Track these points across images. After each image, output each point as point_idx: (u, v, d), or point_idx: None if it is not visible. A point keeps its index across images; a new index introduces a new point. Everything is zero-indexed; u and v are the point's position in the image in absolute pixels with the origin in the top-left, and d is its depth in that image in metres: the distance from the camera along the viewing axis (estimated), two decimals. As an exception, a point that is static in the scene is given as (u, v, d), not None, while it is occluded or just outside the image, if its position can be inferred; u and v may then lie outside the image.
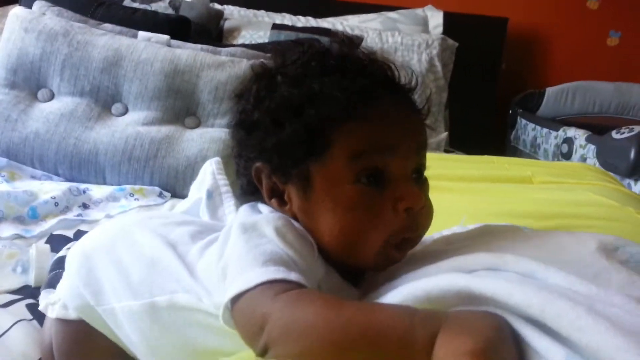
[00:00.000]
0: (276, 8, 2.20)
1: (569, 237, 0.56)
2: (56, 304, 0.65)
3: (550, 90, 2.38)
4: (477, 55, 2.24)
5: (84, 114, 1.36)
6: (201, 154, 1.33)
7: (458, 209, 0.76)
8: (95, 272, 0.62)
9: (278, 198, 0.57)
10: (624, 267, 0.48)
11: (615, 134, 1.71)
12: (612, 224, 0.84)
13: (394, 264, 0.56)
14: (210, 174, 0.87)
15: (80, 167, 1.33)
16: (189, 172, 1.31)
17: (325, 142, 0.53)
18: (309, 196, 0.54)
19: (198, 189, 0.88)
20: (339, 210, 0.53)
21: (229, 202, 0.83)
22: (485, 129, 2.32)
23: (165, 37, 1.48)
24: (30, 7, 1.52)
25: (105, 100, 1.40)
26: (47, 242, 1.01)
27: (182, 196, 1.25)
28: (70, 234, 1.07)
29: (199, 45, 1.49)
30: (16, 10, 1.47)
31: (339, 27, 2.10)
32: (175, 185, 1.33)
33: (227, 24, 2.05)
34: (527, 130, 2.29)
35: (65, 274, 0.67)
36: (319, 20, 2.14)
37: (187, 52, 1.43)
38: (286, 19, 2.14)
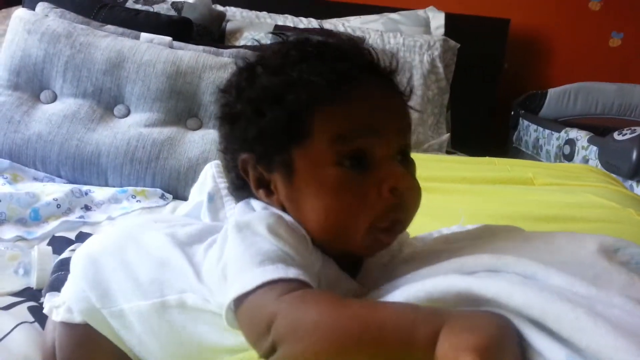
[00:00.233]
0: (278, 9, 2.20)
1: (570, 238, 0.56)
2: (61, 307, 0.65)
3: (552, 92, 2.38)
4: (478, 57, 2.24)
5: (87, 115, 1.36)
6: (203, 155, 1.33)
7: (457, 210, 0.76)
8: (103, 274, 0.62)
9: (265, 188, 0.57)
10: (624, 268, 0.48)
11: (617, 136, 1.71)
12: (613, 225, 0.85)
13: (385, 248, 0.57)
14: (210, 177, 0.87)
15: (82, 168, 1.33)
16: (191, 173, 1.31)
17: (306, 127, 0.53)
18: (293, 183, 0.55)
19: (199, 191, 0.88)
20: (323, 194, 0.53)
21: (230, 204, 0.83)
22: (487, 130, 2.32)
23: (168, 38, 1.49)
24: (33, 8, 1.53)
25: (108, 101, 1.40)
26: (49, 244, 1.01)
27: (184, 198, 1.26)
28: (72, 235, 1.07)
29: (201, 47, 1.50)
30: (19, 12, 1.48)
31: (341, 29, 2.10)
32: (177, 187, 1.33)
33: (229, 26, 2.05)
34: (529, 131, 2.29)
35: (70, 277, 0.67)
36: (320, 21, 2.14)
37: (190, 54, 1.43)
38: (288, 20, 2.14)
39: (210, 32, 1.93)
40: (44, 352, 0.68)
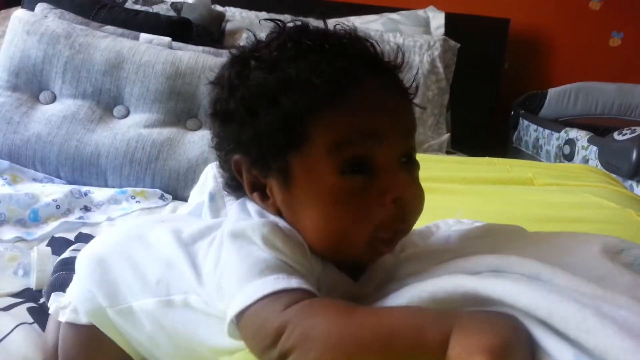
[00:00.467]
0: (278, 9, 2.20)
1: (573, 238, 0.56)
2: (67, 308, 0.65)
3: (552, 91, 2.38)
4: (479, 57, 2.23)
5: (86, 116, 1.36)
6: (202, 156, 1.33)
7: (457, 210, 0.76)
8: (110, 273, 0.62)
9: (260, 192, 0.54)
10: (628, 269, 0.48)
11: (617, 136, 1.71)
12: (613, 226, 0.84)
13: (385, 255, 0.55)
14: (212, 177, 0.87)
15: (81, 169, 1.33)
16: (190, 174, 1.31)
17: (303, 132, 0.50)
18: (290, 190, 0.52)
19: (199, 193, 0.88)
20: (322, 205, 0.50)
21: (231, 204, 0.83)
22: (487, 130, 2.32)
23: (167, 39, 1.49)
24: (32, 9, 1.53)
25: (107, 102, 1.40)
26: (48, 244, 1.01)
27: (184, 198, 1.26)
28: (71, 236, 1.07)
29: (200, 47, 1.50)
30: (18, 13, 1.48)
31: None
32: (176, 188, 1.33)
33: (228, 26, 2.05)
34: (529, 131, 2.29)
35: (75, 278, 0.67)
36: (320, 21, 2.14)
37: (189, 54, 1.43)
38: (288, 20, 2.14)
39: (209, 33, 1.93)
40: (45, 353, 0.68)
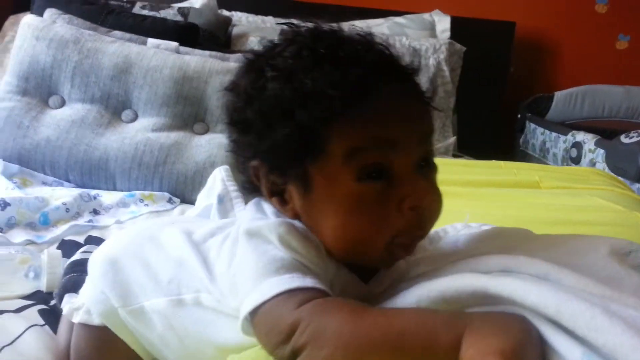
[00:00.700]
0: (284, 14, 2.21)
1: (581, 240, 0.56)
2: (80, 309, 0.65)
3: (559, 94, 2.37)
4: (484, 60, 2.24)
5: (95, 120, 1.37)
6: (209, 159, 1.34)
7: (464, 214, 0.76)
8: (122, 274, 0.63)
9: (279, 197, 0.55)
10: (636, 271, 0.49)
11: (624, 138, 1.71)
12: (619, 229, 0.84)
13: (402, 259, 0.55)
14: (220, 181, 0.88)
15: (90, 173, 1.34)
16: (198, 177, 1.32)
17: (320, 142, 0.50)
18: (309, 197, 0.52)
19: (207, 196, 0.89)
20: (341, 212, 0.51)
21: (239, 207, 0.84)
22: (493, 133, 2.32)
23: (174, 44, 1.50)
24: (41, 15, 1.54)
25: (116, 106, 1.41)
26: (58, 247, 1.02)
27: (191, 202, 1.27)
28: (81, 239, 1.08)
29: (207, 52, 1.51)
30: (27, 19, 1.49)
31: (347, 33, 2.10)
32: (184, 191, 1.34)
33: (235, 30, 2.06)
34: (536, 134, 2.29)
35: (88, 280, 0.68)
36: (326, 25, 2.15)
37: (196, 59, 1.44)
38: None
39: (216, 37, 1.94)
40: (57, 355, 0.69)
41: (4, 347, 0.70)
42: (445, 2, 2.33)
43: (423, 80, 0.56)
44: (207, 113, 1.42)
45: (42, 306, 0.81)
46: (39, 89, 1.42)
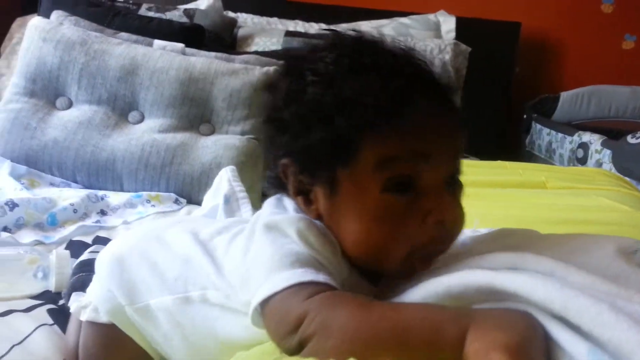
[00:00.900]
0: (289, 15, 2.21)
1: (588, 239, 0.56)
2: (87, 307, 0.66)
3: (565, 95, 2.37)
4: (490, 60, 2.23)
5: (102, 121, 1.38)
6: (215, 160, 1.34)
7: (470, 214, 0.76)
8: (129, 273, 0.64)
9: (304, 196, 0.56)
10: (643, 270, 0.49)
11: (630, 139, 1.70)
12: (625, 228, 0.84)
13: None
14: (226, 181, 0.88)
15: (97, 174, 1.35)
16: (204, 178, 1.33)
17: (353, 149, 0.51)
18: (334, 200, 0.53)
19: (213, 196, 0.90)
20: (365, 220, 0.52)
21: (246, 207, 0.85)
22: (499, 134, 2.32)
23: (180, 45, 1.51)
24: (48, 17, 1.55)
25: (122, 108, 1.42)
26: (66, 247, 1.03)
27: (198, 202, 1.27)
28: (89, 239, 1.08)
29: (212, 53, 1.51)
30: (35, 21, 1.50)
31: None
32: (190, 192, 1.35)
33: (240, 32, 2.07)
34: (542, 135, 2.28)
35: (95, 279, 0.68)
36: (331, 26, 2.15)
37: (202, 60, 1.45)
38: (299, 25, 2.16)
39: (221, 39, 1.95)
40: (66, 353, 0.69)
41: (13, 346, 0.70)
42: (450, 3, 2.33)
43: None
44: (213, 114, 1.43)
45: (51, 306, 0.82)
46: (46, 90, 1.43)
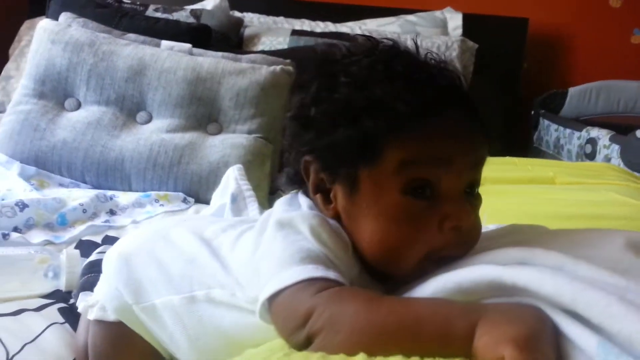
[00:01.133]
0: (295, 14, 2.21)
1: (597, 233, 0.56)
2: (95, 306, 0.67)
3: (573, 90, 2.35)
4: (497, 57, 2.22)
5: (110, 122, 1.39)
6: (223, 159, 1.35)
7: (480, 210, 0.76)
8: (135, 272, 0.64)
9: (323, 195, 0.56)
10: (652, 263, 0.48)
11: (639, 134, 1.69)
12: (635, 223, 0.84)
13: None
14: (233, 180, 0.88)
15: (106, 174, 1.36)
16: (212, 177, 1.33)
17: (377, 150, 0.52)
18: (354, 199, 0.54)
19: (221, 196, 0.90)
20: (382, 220, 0.52)
21: (252, 205, 0.85)
22: (507, 130, 2.31)
23: (187, 45, 1.51)
24: (56, 19, 1.56)
25: (130, 108, 1.43)
26: (76, 247, 1.03)
27: (206, 201, 1.28)
28: (98, 239, 1.09)
29: (220, 53, 1.52)
30: (43, 23, 1.51)
31: (358, 32, 2.10)
32: (198, 191, 1.35)
33: (247, 31, 2.07)
34: (550, 131, 2.27)
35: (102, 277, 0.69)
36: (337, 25, 2.15)
37: (209, 60, 1.45)
38: (305, 24, 2.16)
39: (228, 39, 1.95)
40: (76, 353, 0.70)
41: (25, 344, 0.71)
42: (457, -1, 2.33)
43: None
44: (221, 113, 1.43)
45: (62, 305, 0.82)
46: (55, 92, 1.44)
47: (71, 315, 0.78)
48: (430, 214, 0.52)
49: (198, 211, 1.28)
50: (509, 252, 0.50)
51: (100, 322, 0.66)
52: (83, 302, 0.69)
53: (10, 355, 0.69)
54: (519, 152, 1.86)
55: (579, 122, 2.19)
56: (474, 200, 0.56)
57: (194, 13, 1.97)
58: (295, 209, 0.57)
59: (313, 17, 2.19)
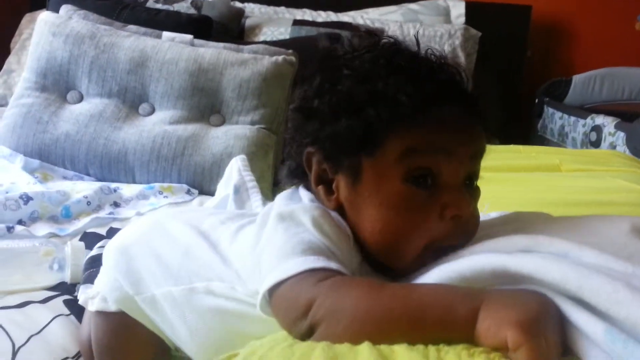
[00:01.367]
0: (296, 4, 2.20)
1: (602, 219, 0.56)
2: (95, 297, 0.67)
3: (577, 78, 2.34)
4: (501, 45, 2.21)
5: (113, 114, 1.39)
6: (226, 151, 1.34)
7: (483, 198, 0.76)
8: (134, 263, 0.64)
9: (325, 186, 0.57)
10: (658, 248, 0.48)
11: (645, 120, 1.68)
12: (642, 209, 0.83)
13: None
14: (236, 171, 0.88)
15: (110, 166, 1.36)
16: (215, 169, 1.33)
17: (379, 140, 0.53)
18: (356, 188, 0.54)
19: (225, 186, 0.90)
20: (384, 208, 0.53)
21: (255, 197, 0.85)
22: (511, 118, 2.29)
23: (189, 36, 1.50)
24: (57, 11, 1.55)
25: (133, 100, 1.42)
26: (80, 239, 1.03)
27: (209, 193, 1.27)
28: (103, 231, 1.09)
29: (221, 44, 1.51)
30: (44, 16, 1.51)
31: (360, 21, 2.09)
32: (202, 182, 1.35)
33: (248, 22, 2.06)
34: (555, 119, 2.26)
35: (102, 269, 0.69)
36: (339, 14, 2.14)
37: (211, 51, 1.45)
38: (306, 14, 2.15)
39: (229, 30, 1.94)
40: (80, 344, 0.70)
41: (31, 336, 0.71)
42: (460, -13, 2.30)
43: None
44: (223, 105, 1.43)
45: (67, 297, 0.82)
46: (57, 84, 1.43)
47: (76, 307, 0.78)
48: (431, 203, 0.53)
49: (202, 203, 1.28)
50: (513, 239, 0.50)
51: (102, 314, 0.66)
52: (84, 294, 0.69)
53: (17, 347, 0.69)
54: (522, 141, 1.85)
55: (583, 110, 2.18)
56: (473, 192, 0.56)
57: (194, 4, 1.97)
58: (296, 202, 0.58)
59: (314, 7, 2.18)
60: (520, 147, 1.27)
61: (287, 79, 1.46)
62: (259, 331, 0.54)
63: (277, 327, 0.49)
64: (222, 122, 1.43)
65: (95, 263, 0.79)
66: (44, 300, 0.81)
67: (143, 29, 1.52)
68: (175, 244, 0.63)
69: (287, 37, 1.93)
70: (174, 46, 1.45)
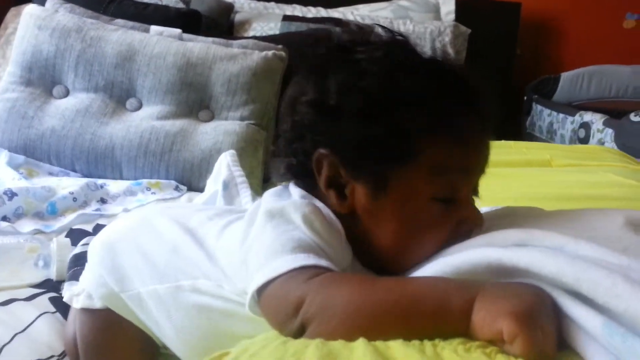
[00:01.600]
0: (287, 0, 2.19)
1: (596, 213, 0.56)
2: (80, 294, 0.65)
3: (565, 75, 2.35)
4: (490, 42, 2.21)
5: (99, 109, 1.37)
6: (215, 146, 1.33)
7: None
8: (120, 260, 0.63)
9: (337, 190, 0.54)
10: (652, 241, 0.48)
11: (633, 117, 1.69)
12: (634, 203, 0.84)
13: None
14: (225, 166, 0.87)
15: (96, 162, 1.34)
16: (204, 165, 1.31)
17: (412, 150, 0.51)
18: (379, 199, 0.52)
19: (214, 181, 0.89)
20: (408, 224, 0.52)
21: (245, 192, 0.83)
22: (499, 116, 2.29)
23: (177, 31, 1.49)
24: (43, 5, 1.53)
25: (120, 95, 1.40)
26: (67, 236, 1.02)
27: (198, 189, 1.26)
28: (89, 228, 1.07)
29: (210, 39, 1.49)
30: (29, 9, 1.48)
31: (350, 17, 2.08)
32: (190, 179, 1.34)
33: (237, 17, 2.04)
34: (543, 116, 2.27)
35: (87, 266, 0.67)
36: (329, 10, 2.13)
37: (199, 45, 1.43)
38: (297, 10, 2.13)
39: (218, 24, 1.92)
40: (65, 342, 0.69)
41: (16, 334, 0.70)
42: (449, -16, 2.30)
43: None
44: (212, 100, 1.41)
45: (53, 294, 0.81)
46: (43, 79, 1.41)
47: (62, 305, 0.76)
48: (449, 218, 0.53)
49: (191, 199, 1.26)
50: (507, 233, 0.50)
51: (87, 311, 0.65)
52: (68, 291, 0.67)
53: (1, 346, 0.68)
54: (511, 138, 1.85)
55: (572, 107, 2.19)
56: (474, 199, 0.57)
57: (183, -2, 1.94)
58: (285, 199, 0.55)
59: (304, 3, 2.16)
60: (511, 143, 1.27)
61: (277, 74, 1.44)
62: (245, 329, 0.53)
63: (265, 325, 0.48)
64: (211, 118, 1.41)
65: (79, 261, 0.78)
66: (29, 298, 0.79)
67: (131, 23, 1.50)
68: (162, 240, 0.62)
69: (277, 32, 1.92)
70: (162, 40, 1.43)
